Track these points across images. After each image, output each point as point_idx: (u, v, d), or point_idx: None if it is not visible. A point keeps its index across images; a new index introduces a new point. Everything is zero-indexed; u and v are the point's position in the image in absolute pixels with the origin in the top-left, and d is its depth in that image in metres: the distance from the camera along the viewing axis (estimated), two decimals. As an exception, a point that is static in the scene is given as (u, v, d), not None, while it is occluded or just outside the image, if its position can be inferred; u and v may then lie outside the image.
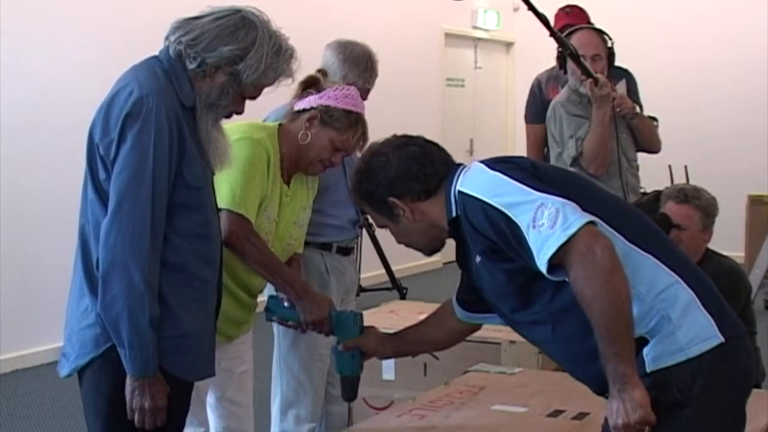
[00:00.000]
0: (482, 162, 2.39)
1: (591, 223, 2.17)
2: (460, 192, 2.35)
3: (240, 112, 2.60)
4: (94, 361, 2.48)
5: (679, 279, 2.26)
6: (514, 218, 2.21)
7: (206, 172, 2.56)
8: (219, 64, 2.48)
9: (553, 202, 2.19)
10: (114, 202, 2.38)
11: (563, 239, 2.14)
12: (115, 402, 2.44)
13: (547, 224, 2.16)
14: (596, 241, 2.15)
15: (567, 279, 2.19)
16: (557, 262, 2.17)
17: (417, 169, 2.44)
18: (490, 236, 2.27)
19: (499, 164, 2.34)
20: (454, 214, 2.38)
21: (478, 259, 2.39)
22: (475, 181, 2.33)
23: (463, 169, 2.43)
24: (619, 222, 2.30)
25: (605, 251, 2.15)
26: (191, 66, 2.48)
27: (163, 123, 2.39)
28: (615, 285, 2.14)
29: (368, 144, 2.61)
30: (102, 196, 2.43)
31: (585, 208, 2.23)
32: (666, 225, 3.69)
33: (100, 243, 2.38)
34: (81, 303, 2.50)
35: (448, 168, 2.46)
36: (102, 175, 2.43)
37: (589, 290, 2.15)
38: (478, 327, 2.78)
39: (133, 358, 2.39)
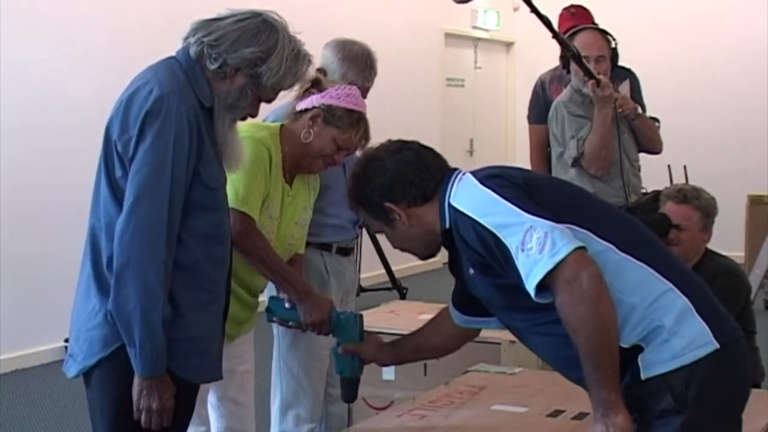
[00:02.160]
0: (474, 175, 2.38)
1: (579, 248, 2.17)
2: (451, 206, 2.35)
3: (254, 114, 2.62)
4: (101, 361, 2.47)
5: (672, 286, 2.25)
6: (503, 239, 2.21)
7: (222, 173, 2.57)
8: (240, 65, 2.49)
9: (542, 225, 2.19)
10: (131, 199, 2.37)
11: (550, 266, 2.15)
12: (122, 402, 2.44)
13: (535, 248, 2.16)
14: (583, 269, 2.16)
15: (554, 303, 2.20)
16: (545, 284, 2.18)
17: (413, 174, 2.44)
18: (481, 253, 2.28)
19: (491, 180, 2.33)
20: (447, 225, 2.38)
21: (470, 271, 2.39)
22: (466, 197, 2.33)
23: (457, 176, 2.43)
24: (612, 231, 2.30)
25: (591, 279, 2.15)
26: (212, 66, 2.49)
27: (183, 122, 2.40)
28: (600, 313, 2.15)
29: (365, 149, 2.62)
30: (117, 193, 2.43)
31: (576, 221, 2.24)
32: (665, 225, 3.69)
33: (115, 240, 2.37)
34: (88, 303, 2.50)
35: (444, 173, 2.45)
36: (118, 172, 2.43)
37: (574, 318, 2.16)
38: (476, 332, 2.79)
39: (143, 358, 2.38)
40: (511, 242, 2.20)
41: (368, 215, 2.53)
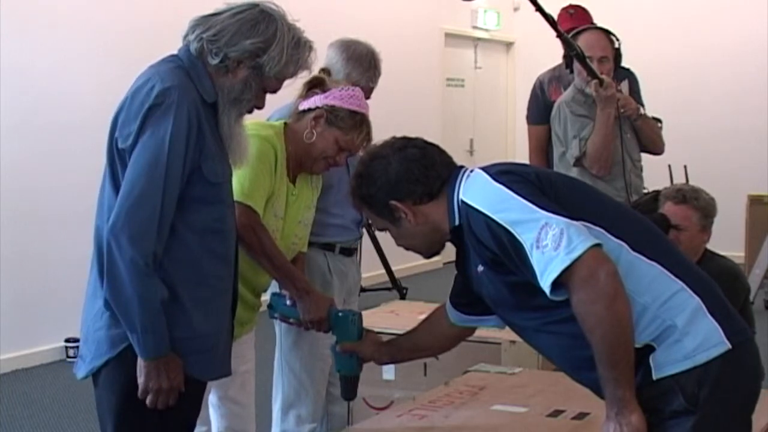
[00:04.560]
0: (485, 171, 2.35)
1: (595, 245, 2.16)
2: (463, 202, 2.33)
3: (261, 106, 2.62)
4: (109, 361, 2.48)
5: (684, 286, 2.24)
6: (517, 236, 2.19)
7: (225, 168, 2.57)
8: (241, 58, 2.50)
9: (557, 222, 2.17)
10: (125, 189, 2.38)
11: (567, 263, 2.13)
12: (129, 400, 2.45)
13: (551, 245, 2.14)
14: (600, 266, 2.14)
15: (569, 301, 2.19)
16: (560, 282, 2.16)
17: (419, 171, 2.41)
18: (494, 250, 2.26)
19: (504, 176, 2.30)
20: (456, 222, 2.36)
21: (480, 268, 2.37)
22: (479, 193, 2.31)
23: (464, 173, 2.41)
24: (624, 229, 2.28)
25: (609, 277, 2.14)
26: (213, 62, 2.49)
27: (182, 116, 2.40)
28: (617, 311, 2.14)
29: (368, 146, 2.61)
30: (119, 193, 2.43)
31: (590, 218, 2.23)
32: (664, 225, 3.69)
33: (107, 228, 2.38)
34: (95, 304, 2.51)
35: (450, 171, 2.43)
36: (120, 172, 2.44)
37: (591, 316, 2.15)
38: (472, 331, 2.78)
39: (145, 341, 2.39)
40: (526, 239, 2.18)
41: (373, 214, 2.51)
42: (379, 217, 2.50)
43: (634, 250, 2.25)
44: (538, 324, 2.34)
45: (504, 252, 2.24)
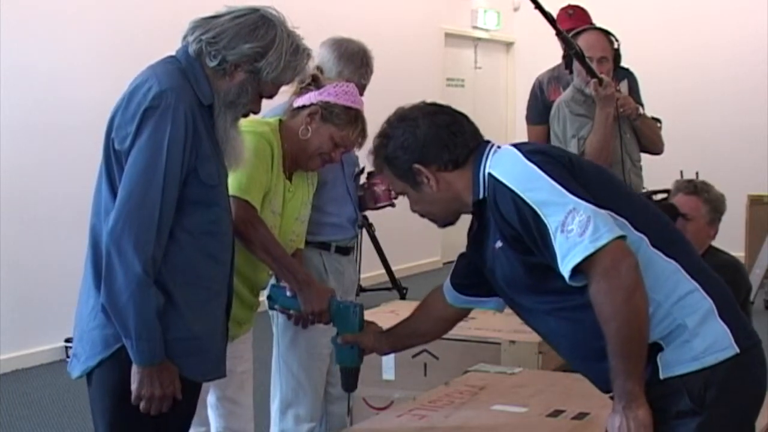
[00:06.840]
0: (517, 148, 2.34)
1: (621, 237, 2.16)
2: (490, 175, 2.31)
3: (257, 111, 2.62)
4: (103, 361, 2.48)
5: (698, 287, 2.24)
6: (543, 217, 2.18)
7: (221, 171, 2.56)
8: (239, 62, 2.50)
9: (585, 208, 2.16)
10: (124, 192, 2.38)
11: (591, 250, 2.12)
12: (123, 400, 2.45)
13: (576, 231, 2.14)
14: (623, 258, 2.14)
15: (588, 289, 2.18)
16: (580, 269, 2.16)
17: (447, 137, 2.39)
18: (517, 227, 2.24)
19: (537, 155, 2.29)
20: (481, 195, 2.35)
21: (498, 244, 2.34)
22: (509, 169, 2.29)
23: (492, 147, 2.40)
24: (646, 224, 2.28)
25: (630, 270, 2.14)
26: (211, 64, 2.49)
27: (179, 118, 2.40)
28: (635, 305, 2.14)
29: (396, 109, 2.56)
30: (115, 192, 2.43)
31: (615, 208, 2.23)
32: (672, 214, 3.70)
33: (106, 232, 2.38)
34: (89, 303, 2.51)
35: (478, 142, 2.42)
36: (116, 171, 2.44)
37: (609, 306, 2.14)
38: (467, 312, 2.77)
39: (140, 348, 2.39)
40: (552, 221, 2.17)
41: (393, 176, 2.47)
42: (400, 179, 2.46)
43: (653, 245, 2.25)
44: (549, 308, 2.32)
45: (527, 231, 2.22)
